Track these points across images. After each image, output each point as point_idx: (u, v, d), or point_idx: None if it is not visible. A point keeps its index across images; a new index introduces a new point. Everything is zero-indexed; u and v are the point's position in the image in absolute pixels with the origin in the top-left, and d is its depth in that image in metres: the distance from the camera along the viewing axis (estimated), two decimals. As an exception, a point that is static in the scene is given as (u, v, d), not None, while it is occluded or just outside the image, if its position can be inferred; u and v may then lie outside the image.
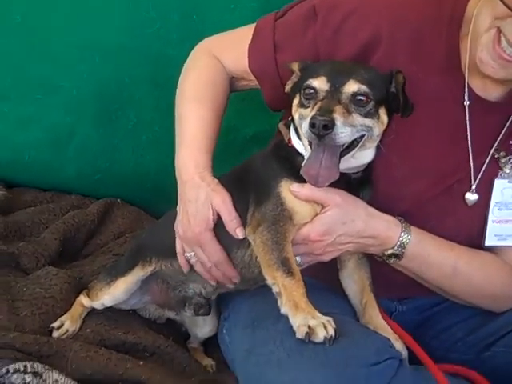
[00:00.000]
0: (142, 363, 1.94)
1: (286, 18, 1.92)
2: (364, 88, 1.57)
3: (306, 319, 1.56)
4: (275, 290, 1.65)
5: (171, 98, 2.04)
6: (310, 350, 1.54)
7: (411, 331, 1.84)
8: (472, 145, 1.81)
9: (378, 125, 1.61)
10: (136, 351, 2.03)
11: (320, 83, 1.58)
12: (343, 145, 1.57)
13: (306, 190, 1.67)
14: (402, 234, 1.76)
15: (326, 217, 1.69)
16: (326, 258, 1.78)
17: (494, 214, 1.85)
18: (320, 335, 1.53)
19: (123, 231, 2.67)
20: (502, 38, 1.61)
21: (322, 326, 1.54)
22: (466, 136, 1.81)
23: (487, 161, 1.84)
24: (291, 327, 1.59)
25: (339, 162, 1.58)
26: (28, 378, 1.80)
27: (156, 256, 1.98)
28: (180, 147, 1.90)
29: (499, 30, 1.61)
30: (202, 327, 2.16)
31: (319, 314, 1.58)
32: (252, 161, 1.86)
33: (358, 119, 1.57)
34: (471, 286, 1.85)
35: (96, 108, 2.75)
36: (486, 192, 1.85)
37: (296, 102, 1.65)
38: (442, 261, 1.81)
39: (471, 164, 1.82)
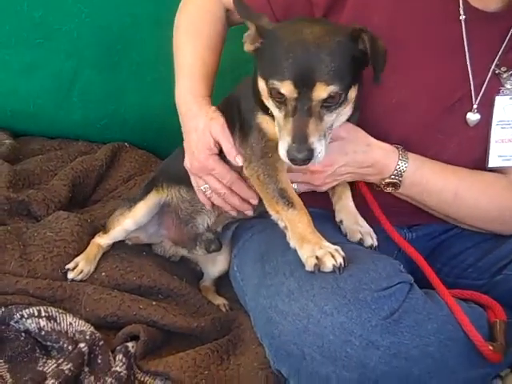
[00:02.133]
0: (154, 303, 1.94)
1: None
2: (334, 89, 1.48)
3: (314, 250, 1.55)
4: (281, 224, 1.65)
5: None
6: (321, 279, 1.54)
7: (423, 258, 1.82)
8: (471, 61, 1.75)
9: (348, 104, 1.57)
10: (150, 294, 2.03)
11: (287, 90, 1.48)
12: None
13: None
14: (399, 162, 1.74)
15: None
16: (324, 188, 1.78)
17: (496, 133, 1.79)
18: (328, 264, 1.53)
19: (132, 175, 2.65)
20: None
21: (330, 255, 1.54)
22: (465, 52, 1.74)
23: (488, 77, 1.77)
24: (300, 258, 1.59)
25: None
26: (42, 322, 1.82)
27: (166, 183, 2.02)
28: (178, 79, 1.91)
29: None
30: (215, 265, 2.17)
31: (327, 243, 1.57)
32: (236, 90, 1.84)
33: (328, 120, 1.53)
34: (476, 210, 1.82)
35: (98, 50, 2.71)
36: (488, 111, 1.79)
37: (263, 89, 1.57)
38: (443, 187, 1.79)
39: (471, 82, 1.76)
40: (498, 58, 1.76)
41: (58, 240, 2.10)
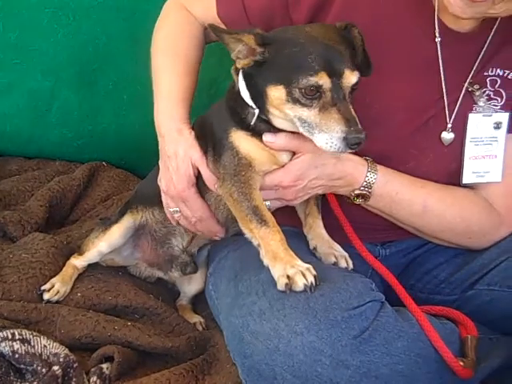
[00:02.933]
0: (129, 324, 1.93)
1: None
2: (357, 75, 1.53)
3: (285, 269, 1.55)
4: (255, 242, 1.64)
5: (150, 53, 2.00)
6: (292, 299, 1.54)
7: (396, 275, 1.84)
8: (445, 80, 1.78)
9: None
10: (126, 314, 2.03)
11: (324, 81, 1.50)
12: None
13: (280, 139, 1.64)
14: (368, 174, 1.75)
15: (298, 162, 1.68)
16: (297, 202, 1.78)
17: (470, 150, 1.82)
18: (300, 284, 1.53)
19: (110, 194, 2.65)
20: None
21: (301, 275, 1.53)
22: (439, 71, 1.77)
23: (461, 95, 1.80)
24: (272, 277, 1.59)
25: None
26: (16, 345, 1.79)
27: (141, 205, 2.03)
28: (157, 101, 1.90)
29: None
30: (192, 284, 2.17)
31: (298, 262, 1.57)
32: (210, 110, 1.85)
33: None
34: (444, 223, 1.84)
35: (74, 70, 2.72)
36: (462, 129, 1.81)
37: (282, 95, 1.55)
38: (412, 199, 1.80)
39: (445, 99, 1.79)
40: (470, 76, 1.79)
41: (33, 261, 2.09)
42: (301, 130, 1.57)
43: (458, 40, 1.76)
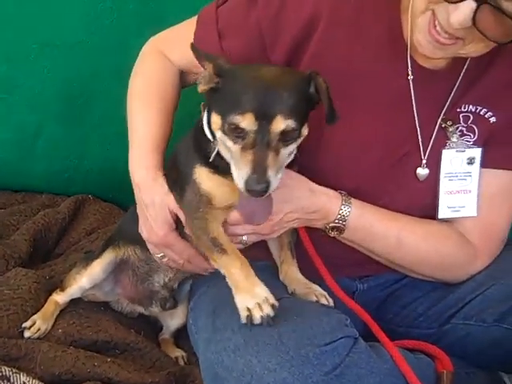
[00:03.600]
0: (109, 360, 1.94)
1: (228, 4, 1.88)
2: (291, 123, 1.51)
3: (245, 301, 1.57)
4: (222, 272, 1.66)
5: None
6: (266, 335, 1.54)
7: (374, 310, 1.85)
8: (418, 117, 1.79)
9: (300, 140, 1.59)
10: (107, 349, 2.03)
11: (248, 123, 1.50)
12: None
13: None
14: (343, 207, 1.76)
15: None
16: (274, 235, 1.79)
17: (444, 185, 1.83)
18: (257, 316, 1.54)
19: (95, 227, 2.65)
20: (437, 22, 1.57)
21: (258, 307, 1.54)
22: (412, 108, 1.79)
23: (435, 132, 1.81)
24: None
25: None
26: (-5, 381, 1.79)
27: (122, 241, 2.04)
28: (131, 148, 1.90)
29: (434, 13, 1.57)
30: (174, 318, 2.17)
31: (258, 290, 1.57)
32: (178, 145, 1.86)
33: (284, 153, 1.55)
34: (418, 256, 1.85)
35: (60, 105, 2.73)
36: (436, 165, 1.82)
37: (218, 124, 1.56)
38: (386, 232, 1.81)
39: (419, 135, 1.80)
40: (443, 112, 1.80)
41: (15, 298, 2.09)
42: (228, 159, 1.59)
43: (431, 78, 1.78)
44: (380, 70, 1.77)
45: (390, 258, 1.87)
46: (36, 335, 2.01)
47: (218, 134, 1.58)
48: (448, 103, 1.80)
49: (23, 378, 1.83)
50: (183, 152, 1.79)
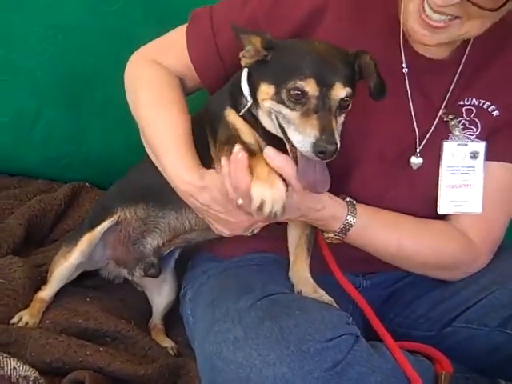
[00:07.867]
0: (101, 349, 1.90)
1: (223, 2, 1.88)
2: (349, 91, 1.53)
3: (262, 191, 1.52)
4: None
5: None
6: (267, 328, 1.54)
7: (377, 308, 1.83)
8: (414, 109, 1.79)
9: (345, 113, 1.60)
10: (97, 337, 1.99)
11: (310, 88, 1.50)
12: None
13: (279, 159, 1.57)
14: (348, 217, 1.74)
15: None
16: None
17: (446, 178, 1.82)
18: (266, 210, 1.50)
19: (91, 215, 2.61)
20: (426, 6, 1.57)
21: (271, 203, 1.50)
22: (409, 103, 1.78)
23: (435, 124, 1.80)
24: (250, 306, 1.60)
25: None
26: (-16, 366, 1.76)
27: (120, 205, 2.00)
28: (162, 157, 1.79)
29: None
30: (160, 295, 2.18)
31: (279, 184, 1.53)
32: (211, 98, 1.88)
33: (339, 121, 1.56)
34: (417, 261, 1.85)
35: (61, 90, 2.70)
36: (434, 156, 1.81)
37: (269, 94, 1.56)
38: (387, 242, 1.80)
39: (414, 124, 1.80)
40: (444, 105, 1.80)
41: (9, 289, 2.07)
42: (277, 126, 1.57)
43: (429, 69, 1.77)
44: (380, 60, 1.73)
45: (389, 262, 1.87)
46: (24, 329, 1.98)
47: (267, 103, 1.57)
48: (448, 96, 1.79)
49: (13, 363, 1.80)
50: (217, 98, 1.80)
